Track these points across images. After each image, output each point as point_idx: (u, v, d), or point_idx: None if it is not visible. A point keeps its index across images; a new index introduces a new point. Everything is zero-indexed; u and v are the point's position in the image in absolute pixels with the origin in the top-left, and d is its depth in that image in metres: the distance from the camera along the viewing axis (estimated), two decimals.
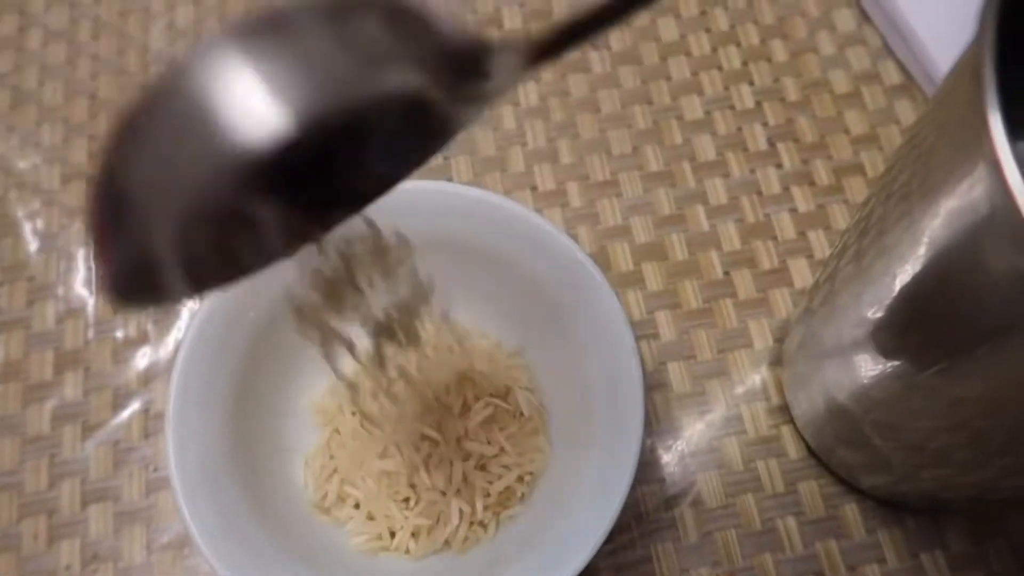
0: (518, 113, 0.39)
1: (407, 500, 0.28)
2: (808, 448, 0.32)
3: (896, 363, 0.24)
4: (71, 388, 0.34)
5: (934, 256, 0.20)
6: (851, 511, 0.31)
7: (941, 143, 0.20)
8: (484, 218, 0.29)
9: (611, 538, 0.30)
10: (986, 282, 0.18)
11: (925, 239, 0.20)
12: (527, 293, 0.30)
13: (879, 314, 0.23)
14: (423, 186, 0.29)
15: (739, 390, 0.33)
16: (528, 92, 0.39)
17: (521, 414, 0.30)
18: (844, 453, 0.30)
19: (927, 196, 0.20)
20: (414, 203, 0.29)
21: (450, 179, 0.37)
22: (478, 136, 0.38)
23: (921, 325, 0.22)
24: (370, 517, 0.29)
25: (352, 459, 0.29)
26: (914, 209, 0.21)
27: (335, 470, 0.29)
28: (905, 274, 0.22)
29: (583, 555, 0.25)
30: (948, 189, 0.19)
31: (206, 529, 0.25)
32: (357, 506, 0.29)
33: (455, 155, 0.38)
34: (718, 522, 0.31)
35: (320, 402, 0.31)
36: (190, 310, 0.35)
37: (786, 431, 0.32)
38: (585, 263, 0.28)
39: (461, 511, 0.28)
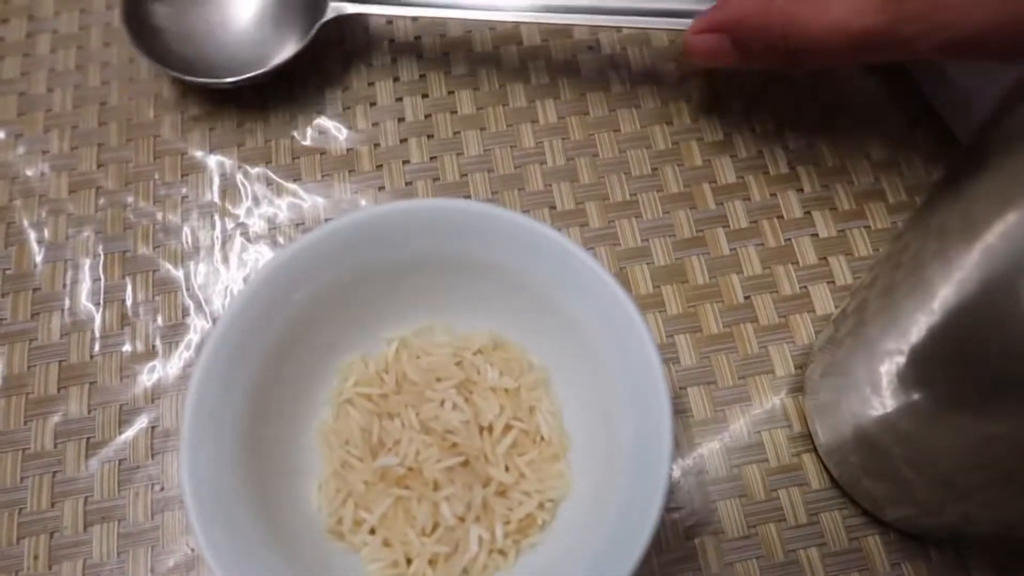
0: (536, 131, 0.38)
1: (424, 526, 0.28)
2: (831, 478, 0.31)
3: (925, 399, 0.23)
4: (75, 403, 0.33)
5: (971, 296, 0.20)
6: (874, 543, 0.30)
7: (983, 187, 0.20)
8: (522, 243, 0.28)
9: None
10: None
11: (962, 277, 0.20)
12: (555, 317, 0.29)
13: (910, 349, 0.23)
14: (475, 207, 0.29)
15: (760, 417, 0.33)
16: (547, 110, 0.39)
17: (542, 439, 0.29)
18: (869, 484, 0.29)
19: (966, 236, 0.20)
20: (445, 220, 0.28)
21: (468, 196, 0.37)
22: (496, 154, 0.38)
23: (953, 363, 0.22)
24: (386, 543, 0.28)
25: (367, 484, 0.28)
26: (951, 248, 0.21)
27: (349, 494, 0.28)
28: (940, 312, 0.21)
29: None
30: (989, 230, 0.19)
31: (219, 552, 0.24)
32: (373, 531, 0.28)
33: (472, 172, 0.37)
34: (740, 553, 0.30)
35: (323, 428, 0.30)
36: (200, 327, 0.34)
37: (808, 460, 0.32)
38: (615, 290, 0.27)
39: (480, 538, 0.27)
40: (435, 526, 0.28)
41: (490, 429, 0.29)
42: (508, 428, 0.29)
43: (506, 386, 0.30)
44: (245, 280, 0.35)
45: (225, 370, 0.27)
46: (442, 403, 0.29)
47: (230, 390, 0.27)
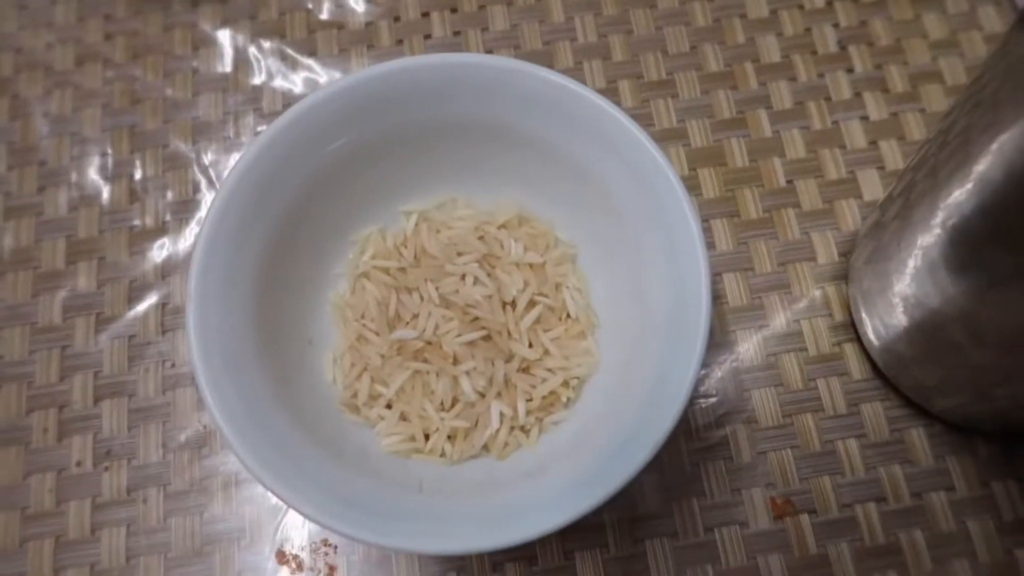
0: (567, 5, 0.36)
1: (443, 401, 0.26)
2: (874, 368, 0.30)
3: (972, 276, 0.21)
4: (84, 279, 0.32)
5: (1020, 166, 0.18)
6: (918, 436, 0.29)
7: None
8: (555, 105, 0.26)
9: (660, 454, 0.28)
10: None
11: (1012, 147, 0.18)
12: (588, 190, 0.27)
13: (956, 226, 0.21)
14: (504, 63, 0.26)
15: (800, 305, 0.31)
16: None
17: (568, 316, 0.28)
18: (916, 372, 0.28)
19: (1019, 105, 0.18)
20: (470, 79, 0.26)
21: None
22: (524, 28, 0.35)
23: (999, 236, 0.20)
24: (403, 418, 0.26)
25: (384, 357, 0.27)
26: (1004, 118, 0.19)
27: (365, 368, 0.27)
28: (987, 186, 0.20)
29: (631, 467, 0.23)
30: None
31: (231, 417, 0.23)
32: (389, 406, 0.27)
33: (498, 48, 0.35)
34: (773, 442, 0.29)
35: (339, 301, 0.28)
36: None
37: (850, 349, 0.30)
38: (662, 164, 0.25)
39: (502, 415, 0.26)
40: (454, 402, 0.27)
41: (513, 304, 0.27)
42: (532, 304, 0.28)
43: (531, 261, 0.28)
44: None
45: (234, 230, 0.25)
46: (463, 277, 0.28)
47: (239, 252, 0.25)
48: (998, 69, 0.20)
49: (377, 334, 0.27)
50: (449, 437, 0.26)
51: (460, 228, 0.29)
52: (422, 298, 0.28)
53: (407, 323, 0.27)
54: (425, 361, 0.27)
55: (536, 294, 0.28)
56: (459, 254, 0.28)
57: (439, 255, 0.28)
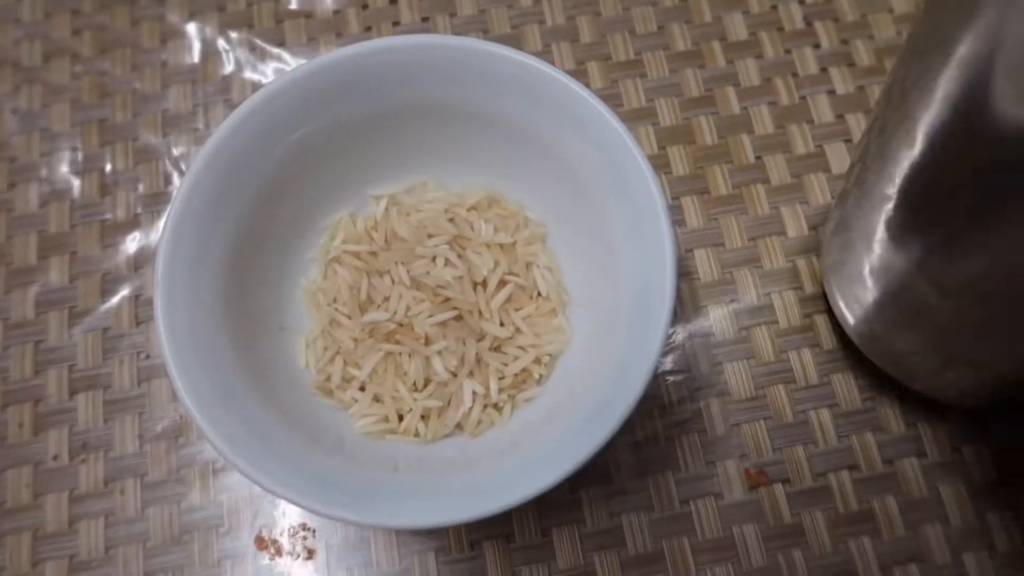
0: None
1: (416, 382, 0.26)
2: (845, 339, 0.30)
3: (926, 232, 0.22)
4: (56, 273, 0.32)
5: (948, 115, 0.18)
6: (889, 404, 0.29)
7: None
8: (523, 86, 0.26)
9: (634, 430, 0.29)
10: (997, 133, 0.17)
11: (939, 94, 0.19)
12: (556, 170, 0.27)
13: (903, 182, 0.22)
14: (469, 44, 0.26)
15: (771, 278, 0.31)
16: None
17: (539, 295, 0.28)
18: (886, 339, 0.28)
19: (940, 48, 0.18)
20: (437, 60, 0.26)
21: None
22: (491, 14, 0.35)
23: (940, 188, 0.20)
24: (377, 399, 0.27)
25: (356, 340, 0.27)
26: (929, 68, 0.19)
27: (338, 351, 0.27)
28: (922, 135, 0.20)
29: (598, 438, 0.23)
30: (960, 41, 0.17)
31: (203, 405, 0.23)
32: (363, 389, 0.27)
33: (466, 32, 0.35)
34: (747, 414, 0.29)
35: (311, 287, 0.28)
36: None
37: (820, 321, 0.30)
38: (627, 142, 0.25)
39: (474, 393, 0.26)
40: (427, 382, 0.27)
41: (484, 284, 0.28)
42: (503, 283, 0.28)
43: (501, 241, 0.28)
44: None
45: (200, 218, 0.25)
46: (433, 259, 0.28)
47: (206, 239, 0.25)
48: (924, 17, 0.20)
49: (349, 317, 0.27)
50: (423, 417, 0.26)
51: (430, 211, 0.29)
52: (393, 281, 0.28)
53: (378, 306, 0.27)
54: (397, 343, 0.27)
55: (507, 274, 0.28)
56: (429, 236, 0.28)
57: (409, 238, 0.28)
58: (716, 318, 0.30)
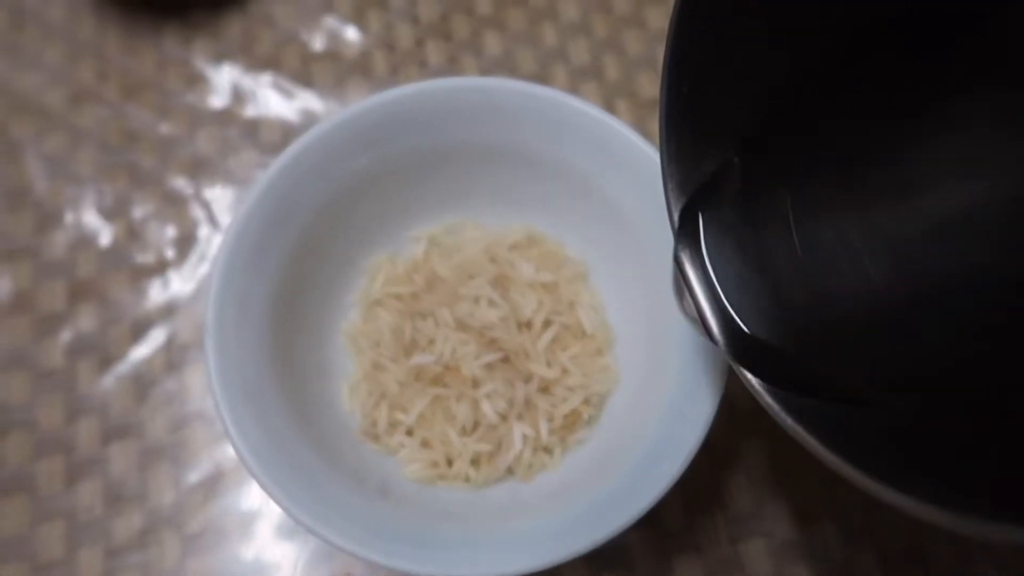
0: (559, 29, 0.36)
1: (464, 425, 0.26)
2: None
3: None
4: (86, 319, 0.31)
5: None
6: None
7: None
8: (560, 124, 0.26)
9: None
10: None
11: None
12: (595, 206, 0.27)
13: None
14: (506, 85, 0.27)
15: None
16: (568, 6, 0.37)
17: (584, 333, 0.28)
18: None
19: None
20: (464, 101, 0.26)
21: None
22: (517, 53, 0.36)
23: None
24: (426, 444, 0.26)
25: (401, 384, 0.27)
26: None
27: (383, 396, 0.27)
28: None
29: (661, 484, 0.23)
30: None
31: (253, 448, 0.22)
32: (411, 433, 0.26)
33: (494, 72, 0.35)
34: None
35: (351, 329, 0.28)
36: (211, 239, 0.32)
37: None
38: None
39: (524, 436, 0.26)
40: (476, 426, 0.26)
41: (529, 325, 0.27)
42: (548, 323, 0.28)
43: (543, 280, 0.28)
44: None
45: (248, 262, 0.25)
46: (477, 300, 0.28)
47: (253, 283, 0.25)
48: None
49: (393, 361, 0.27)
50: (473, 462, 0.26)
51: (470, 251, 0.29)
52: (437, 323, 0.27)
53: (423, 348, 0.27)
54: (444, 386, 0.26)
55: (551, 313, 0.28)
56: (471, 277, 0.28)
57: (451, 279, 0.28)
58: None
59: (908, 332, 0.18)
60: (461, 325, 0.27)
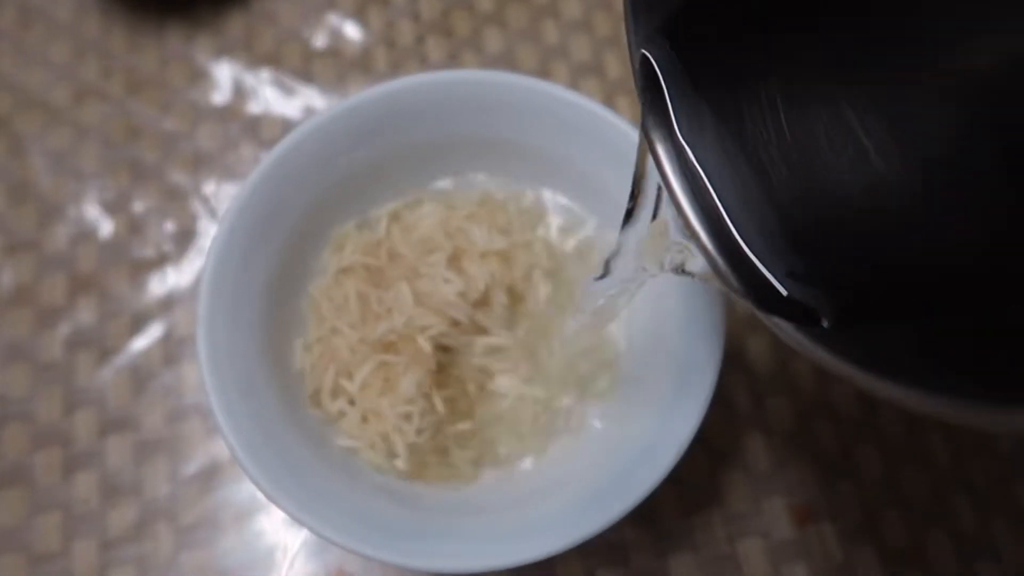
0: (560, 25, 0.36)
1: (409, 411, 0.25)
2: None
3: None
4: (85, 312, 0.31)
5: None
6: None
7: None
8: (554, 117, 0.27)
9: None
10: None
11: None
12: (592, 198, 0.27)
13: None
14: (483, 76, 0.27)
15: None
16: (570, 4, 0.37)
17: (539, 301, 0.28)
18: None
19: None
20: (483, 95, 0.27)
21: None
22: (518, 50, 0.36)
23: None
24: (364, 419, 0.26)
25: (351, 351, 0.26)
26: None
27: (332, 359, 0.26)
28: None
29: (652, 478, 0.23)
30: None
31: (246, 443, 0.22)
32: (352, 403, 0.26)
33: (495, 68, 0.35)
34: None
35: (315, 291, 0.28)
36: (211, 233, 0.33)
37: None
38: None
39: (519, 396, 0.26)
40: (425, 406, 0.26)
41: (486, 301, 0.27)
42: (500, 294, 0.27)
43: (497, 248, 0.27)
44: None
45: (240, 258, 0.25)
46: (433, 278, 0.27)
47: (245, 278, 0.25)
48: None
49: (351, 327, 0.26)
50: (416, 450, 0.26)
51: (426, 226, 0.28)
52: (395, 296, 0.27)
53: (379, 316, 0.26)
54: (396, 353, 0.26)
55: (507, 286, 0.27)
56: (429, 252, 0.27)
57: (410, 254, 0.27)
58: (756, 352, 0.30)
59: (915, 224, 0.15)
60: (419, 299, 0.27)
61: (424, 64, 0.36)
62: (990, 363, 0.14)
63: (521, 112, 0.27)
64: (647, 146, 0.17)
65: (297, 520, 0.21)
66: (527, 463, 0.26)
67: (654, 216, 0.18)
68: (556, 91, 0.26)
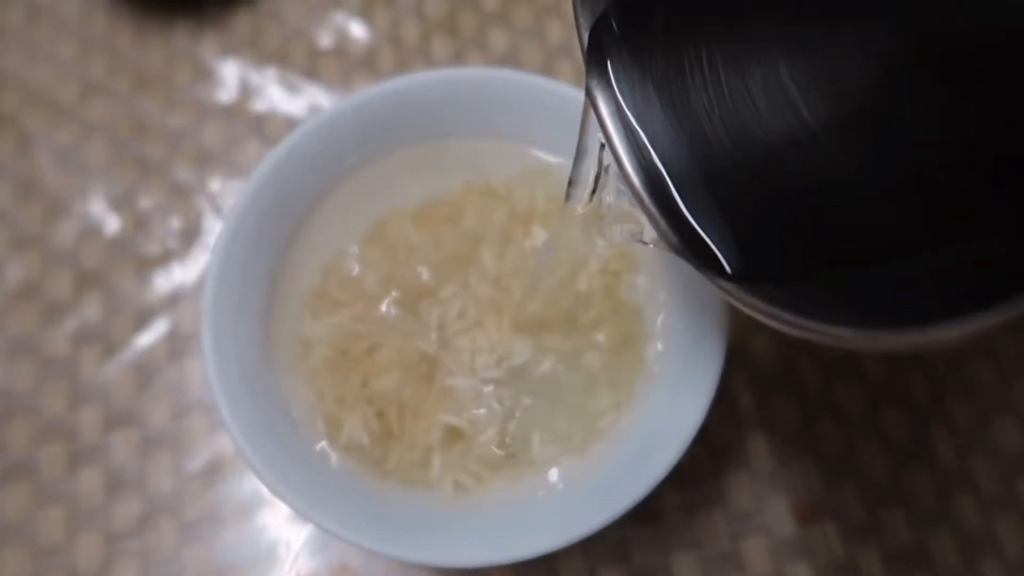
0: (566, 24, 0.36)
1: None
2: None
3: None
4: (91, 308, 0.31)
5: None
6: None
7: None
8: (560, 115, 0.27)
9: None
10: None
11: None
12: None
13: None
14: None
15: None
16: None
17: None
18: None
19: None
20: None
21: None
22: (523, 48, 0.36)
23: None
24: (320, 396, 0.25)
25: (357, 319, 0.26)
26: None
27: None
28: None
29: (655, 474, 0.22)
30: None
31: (250, 435, 0.22)
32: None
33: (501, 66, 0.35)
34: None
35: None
36: (216, 230, 0.33)
37: None
38: None
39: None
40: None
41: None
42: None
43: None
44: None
45: (245, 253, 0.25)
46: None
47: (250, 273, 0.25)
48: None
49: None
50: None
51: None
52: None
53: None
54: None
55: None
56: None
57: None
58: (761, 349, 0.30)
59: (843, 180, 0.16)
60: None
61: (429, 63, 0.36)
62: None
63: (525, 109, 0.27)
64: (591, 110, 0.18)
65: (300, 513, 0.22)
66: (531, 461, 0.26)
67: (594, 189, 0.19)
68: (561, 88, 0.26)
